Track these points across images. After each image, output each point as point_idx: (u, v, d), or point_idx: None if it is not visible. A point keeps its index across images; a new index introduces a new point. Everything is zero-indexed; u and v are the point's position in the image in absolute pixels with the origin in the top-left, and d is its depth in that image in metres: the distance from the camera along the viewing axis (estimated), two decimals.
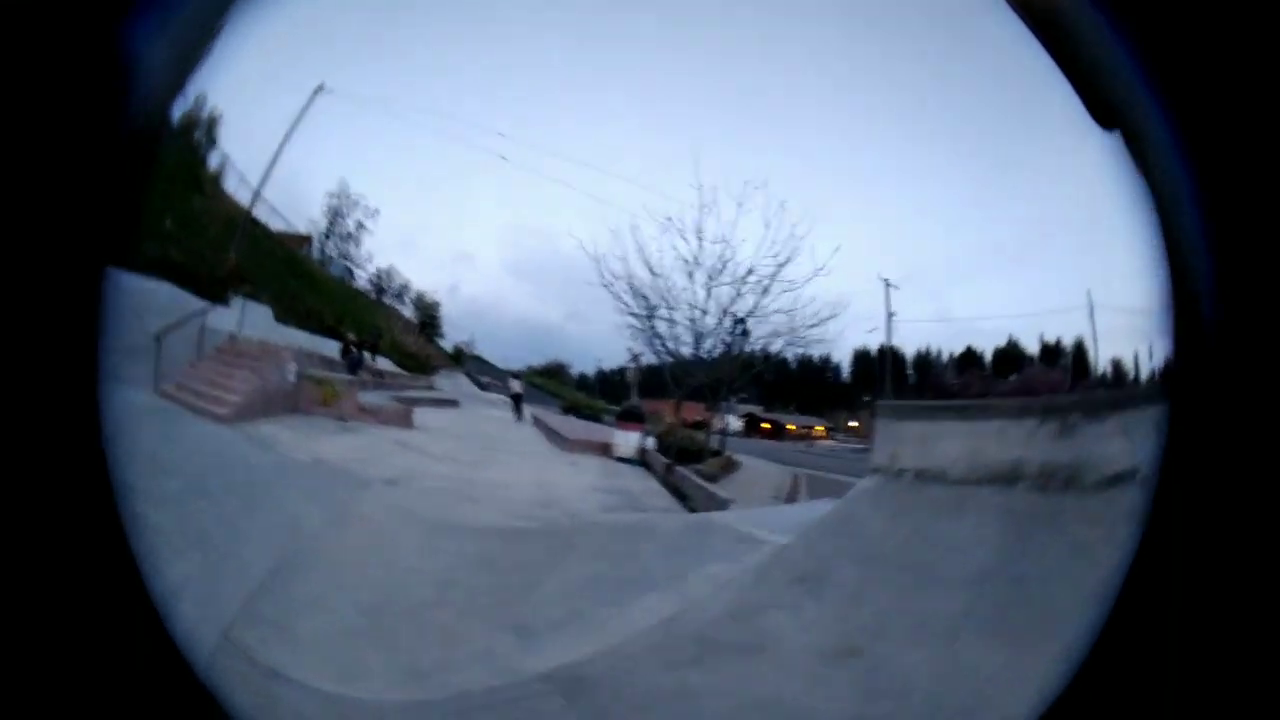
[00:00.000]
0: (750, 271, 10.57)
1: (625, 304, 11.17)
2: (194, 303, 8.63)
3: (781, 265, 10.55)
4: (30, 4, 0.60)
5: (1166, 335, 0.81)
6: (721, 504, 6.83)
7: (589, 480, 7.29)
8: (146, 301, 8.01)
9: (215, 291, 10.13)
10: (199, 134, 14.56)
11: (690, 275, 10.78)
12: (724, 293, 10.94)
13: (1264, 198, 0.69)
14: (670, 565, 3.34)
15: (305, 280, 17.60)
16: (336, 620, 2.76)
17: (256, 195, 14.29)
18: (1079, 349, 6.39)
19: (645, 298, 11.31)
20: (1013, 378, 8.64)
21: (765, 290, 10.85)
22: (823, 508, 4.55)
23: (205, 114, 14.53)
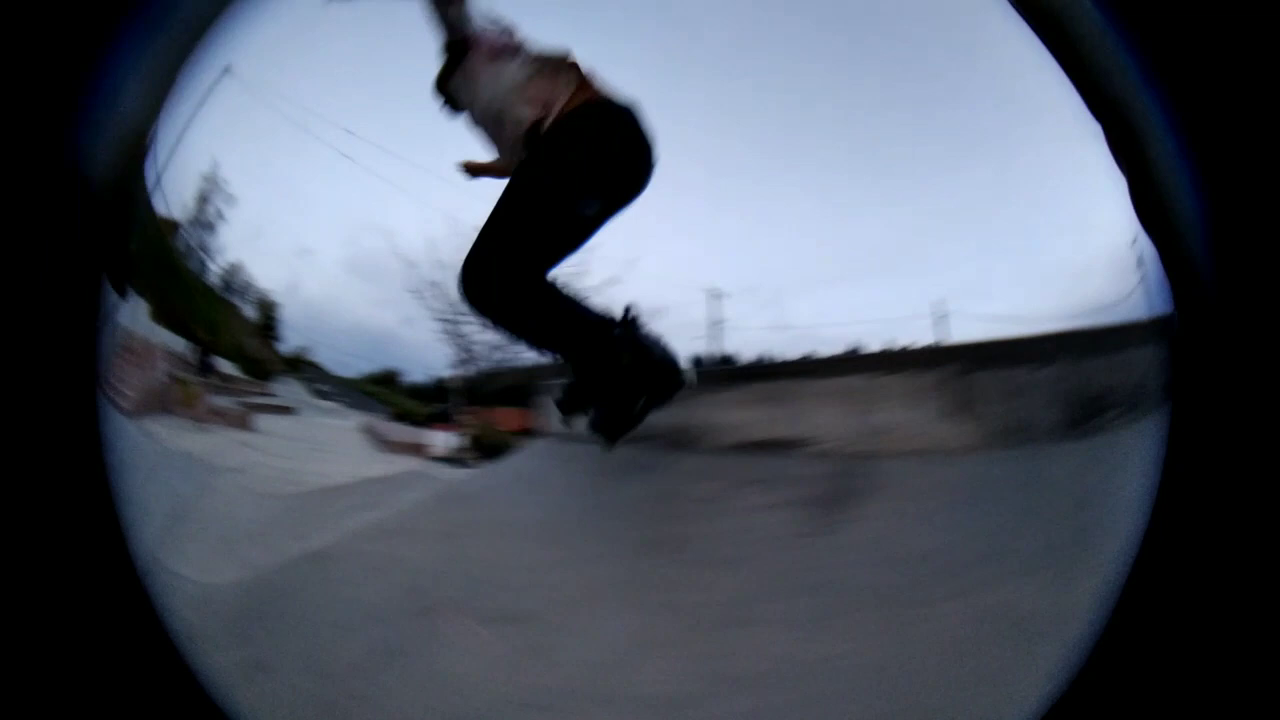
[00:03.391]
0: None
1: (433, 310, 11.43)
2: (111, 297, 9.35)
3: (576, 275, 11.49)
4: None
5: (1166, 336, 0.82)
6: None
7: (401, 467, 8.49)
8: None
9: (118, 284, 10.53)
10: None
11: None
12: None
13: (1263, 195, 0.68)
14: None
15: (170, 274, 17.37)
16: (204, 545, 3.65)
17: (157, 181, 14.23)
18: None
19: (453, 305, 11.48)
20: None
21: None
22: None
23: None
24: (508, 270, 2.03)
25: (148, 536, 3.40)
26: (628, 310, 2.26)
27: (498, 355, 11.95)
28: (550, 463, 4.95)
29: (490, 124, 2.33)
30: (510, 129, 2.22)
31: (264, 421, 5.54)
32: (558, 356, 2.22)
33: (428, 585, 2.80)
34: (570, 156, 2.12)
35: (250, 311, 4.66)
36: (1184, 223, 0.75)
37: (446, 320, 8.81)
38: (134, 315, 10.44)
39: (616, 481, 3.53)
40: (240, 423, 7.93)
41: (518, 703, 1.74)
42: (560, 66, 2.20)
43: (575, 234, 2.19)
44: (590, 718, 1.64)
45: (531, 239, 2.07)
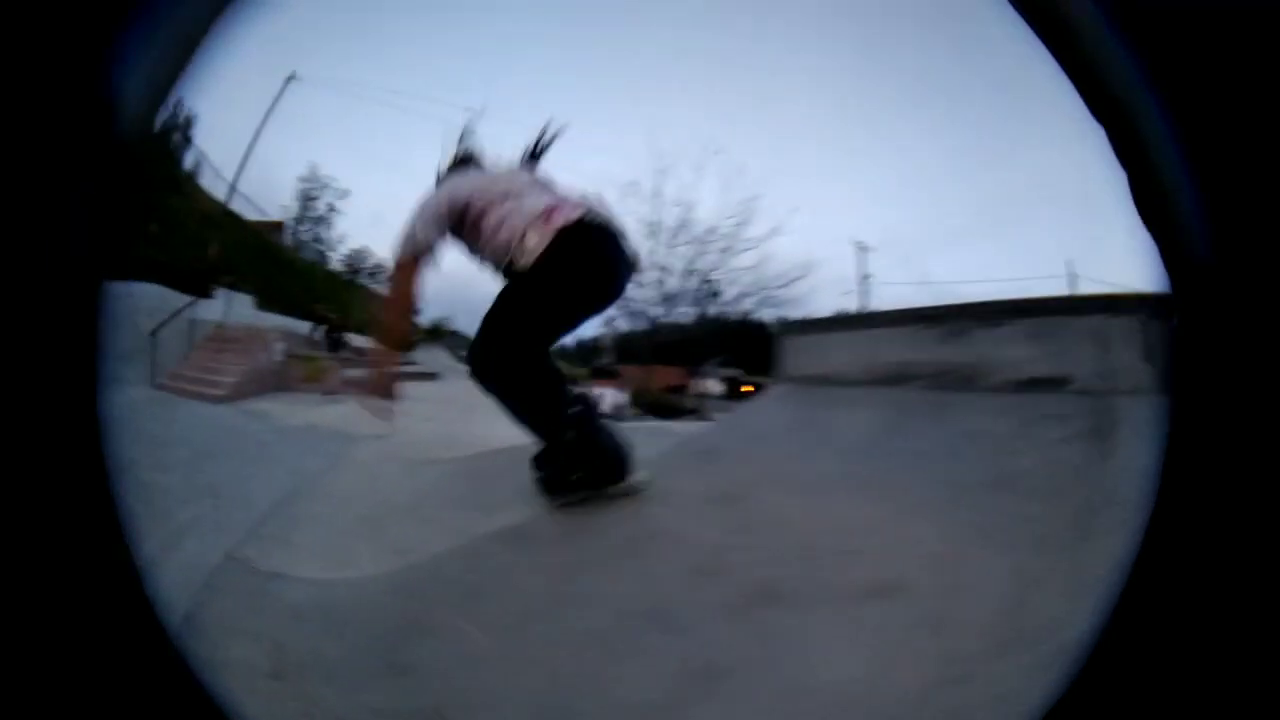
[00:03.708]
0: (710, 231, 11.05)
1: None
2: (182, 300, 9.04)
3: (740, 225, 11.02)
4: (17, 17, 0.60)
5: (1166, 339, 0.80)
6: None
7: None
8: (138, 304, 8.54)
9: (200, 286, 10.65)
10: (176, 137, 14.85)
11: (652, 236, 11.28)
12: (686, 253, 11.39)
13: (1264, 194, 0.68)
14: None
15: (281, 266, 18.12)
16: (332, 530, 3.33)
17: (233, 188, 14.69)
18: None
19: None
20: None
21: (727, 249, 11.34)
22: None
23: (181, 117, 14.84)
24: (498, 361, 2.64)
25: (223, 536, 2.98)
26: (585, 399, 2.81)
27: (655, 312, 11.61)
28: (795, 408, 4.37)
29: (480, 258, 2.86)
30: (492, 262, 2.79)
31: (406, 387, 4.37)
32: (525, 425, 2.75)
33: (741, 565, 2.32)
34: (542, 293, 2.61)
35: (383, 289, 4.24)
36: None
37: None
38: (226, 309, 9.80)
39: (904, 426, 3.44)
40: (385, 390, 7.36)
41: None
42: (524, 190, 2.73)
43: (552, 337, 2.73)
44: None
45: (513, 343, 2.63)
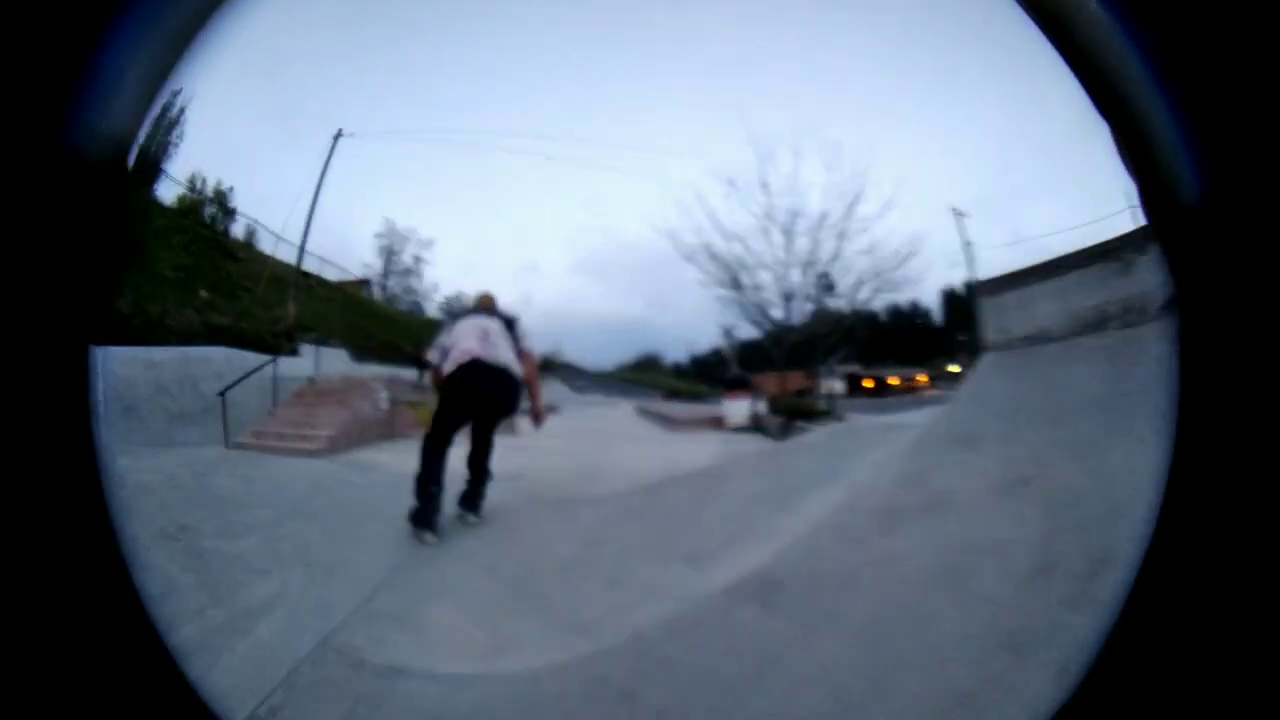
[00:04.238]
0: (824, 216, 10.29)
1: (709, 273, 11.17)
2: (253, 360, 8.71)
3: (851, 205, 10.23)
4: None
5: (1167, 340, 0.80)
6: None
7: (709, 449, 6.83)
8: (198, 369, 8.14)
9: (278, 344, 10.31)
10: (210, 209, 15.22)
11: (765, 232, 10.56)
12: (802, 245, 10.65)
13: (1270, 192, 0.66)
14: (826, 465, 2.94)
15: (374, 319, 18.09)
16: (475, 601, 2.36)
17: (301, 249, 14.68)
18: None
19: (727, 263, 11.23)
20: None
21: (842, 234, 10.49)
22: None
23: (210, 188, 15.19)
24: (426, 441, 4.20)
25: (315, 617, 2.43)
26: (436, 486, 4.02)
27: (776, 315, 11.22)
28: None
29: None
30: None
31: (528, 422, 4.54)
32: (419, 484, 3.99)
33: None
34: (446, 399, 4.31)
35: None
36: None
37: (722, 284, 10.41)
38: (316, 364, 9.29)
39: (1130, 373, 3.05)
40: (505, 425, 7.25)
41: None
42: (462, 340, 4.32)
43: (446, 428, 4.21)
44: None
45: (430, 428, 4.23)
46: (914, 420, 3.63)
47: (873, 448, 2.87)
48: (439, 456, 3.99)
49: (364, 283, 24.65)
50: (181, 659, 0.72)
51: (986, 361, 4.49)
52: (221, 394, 7.27)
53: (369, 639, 2.06)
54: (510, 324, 4.50)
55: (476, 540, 3.28)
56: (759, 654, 1.59)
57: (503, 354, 4.21)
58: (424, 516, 3.82)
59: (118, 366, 6.76)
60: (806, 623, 1.68)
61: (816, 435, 4.10)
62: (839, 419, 10.15)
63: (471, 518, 4.12)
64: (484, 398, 4.17)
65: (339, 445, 7.10)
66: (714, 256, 11.08)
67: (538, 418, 4.41)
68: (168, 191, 12.43)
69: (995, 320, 4.61)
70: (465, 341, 4.18)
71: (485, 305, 4.68)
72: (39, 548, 0.64)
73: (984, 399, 3.78)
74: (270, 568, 2.73)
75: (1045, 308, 4.14)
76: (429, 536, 3.74)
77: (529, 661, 1.82)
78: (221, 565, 2.66)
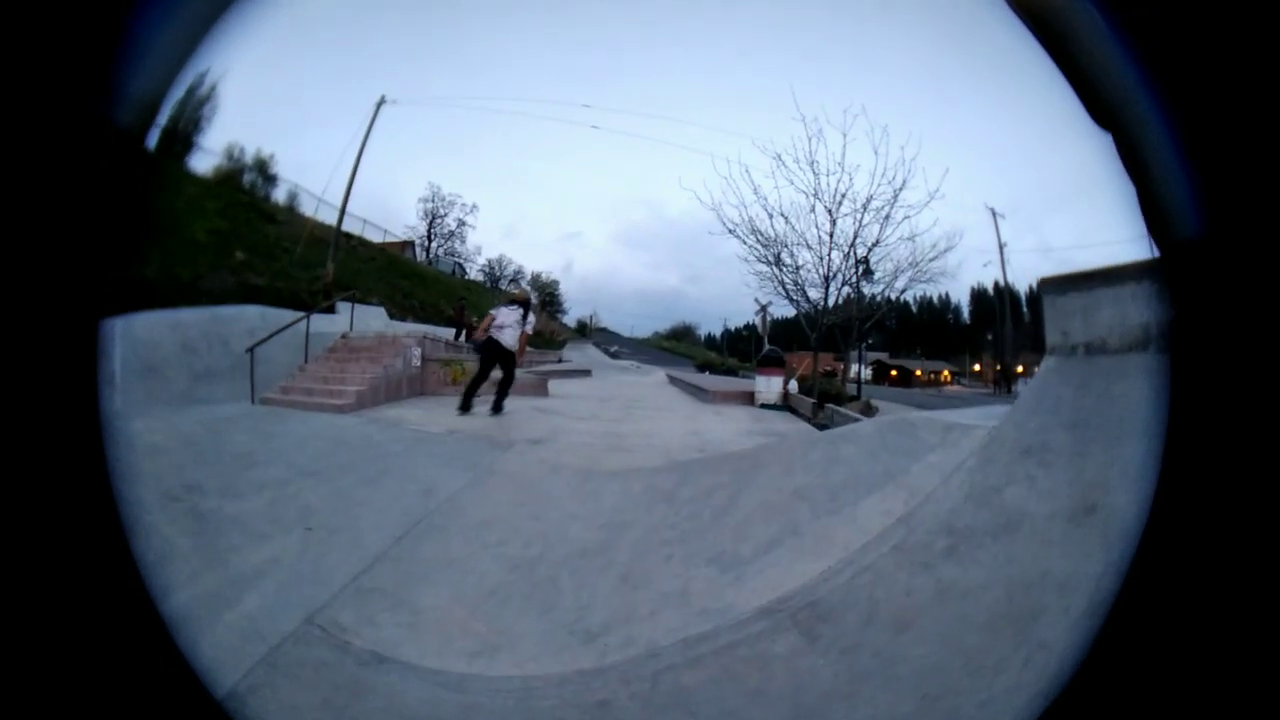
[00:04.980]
0: (870, 199, 10.02)
1: (751, 247, 11.20)
2: (288, 317, 8.60)
3: (899, 191, 9.91)
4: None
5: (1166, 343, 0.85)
6: None
7: (739, 425, 6.54)
8: (229, 326, 8.07)
9: (314, 302, 10.27)
10: (250, 175, 15.37)
11: (813, 209, 10.31)
12: (847, 225, 10.42)
13: (1264, 199, 0.69)
14: (879, 464, 2.57)
15: (415, 279, 18.08)
16: (473, 586, 2.10)
17: (342, 212, 14.73)
18: None
19: (769, 239, 11.19)
20: None
21: (887, 218, 10.19)
22: (999, 406, 4.32)
23: (251, 155, 15.36)
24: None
25: (306, 588, 2.12)
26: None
27: (815, 295, 10.96)
28: None
29: None
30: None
31: (561, 384, 5.42)
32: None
33: None
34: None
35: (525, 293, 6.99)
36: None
37: (763, 259, 10.76)
38: (352, 321, 9.14)
39: None
40: (534, 388, 8.84)
41: None
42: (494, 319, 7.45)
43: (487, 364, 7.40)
44: None
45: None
46: (969, 420, 3.27)
47: (930, 448, 2.47)
48: (477, 380, 7.08)
49: (408, 244, 24.81)
50: (172, 627, 0.73)
51: (1048, 365, 4.13)
52: (250, 350, 7.17)
53: (355, 618, 1.84)
54: (526, 312, 7.38)
55: (489, 508, 3.02)
56: (795, 701, 1.28)
57: (505, 337, 7.12)
58: (464, 407, 6.83)
59: (141, 331, 6.71)
60: (855, 667, 1.35)
61: (866, 426, 3.72)
62: (870, 406, 9.81)
63: (495, 415, 6.90)
64: (491, 356, 7.12)
65: (366, 401, 6.95)
66: (756, 231, 11.09)
67: (517, 359, 7.30)
68: (203, 161, 12.67)
69: (1058, 322, 4.23)
70: (491, 324, 7.21)
71: (516, 299, 7.63)
72: (38, 520, 0.64)
73: (1051, 406, 3.43)
74: (270, 533, 2.51)
75: (1105, 316, 3.78)
76: (463, 415, 6.71)
77: (523, 668, 1.56)
78: (220, 529, 2.45)
